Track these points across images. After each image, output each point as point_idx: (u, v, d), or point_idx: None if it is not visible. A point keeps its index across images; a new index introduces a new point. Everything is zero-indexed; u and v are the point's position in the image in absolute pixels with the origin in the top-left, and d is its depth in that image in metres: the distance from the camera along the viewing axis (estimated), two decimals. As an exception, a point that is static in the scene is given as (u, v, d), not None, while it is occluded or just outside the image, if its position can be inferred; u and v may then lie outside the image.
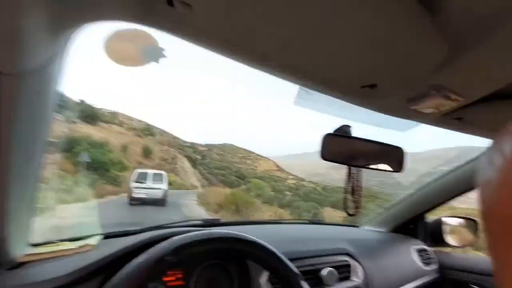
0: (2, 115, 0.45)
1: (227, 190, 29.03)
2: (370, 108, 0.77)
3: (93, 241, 0.88)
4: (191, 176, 38.12)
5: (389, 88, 0.65)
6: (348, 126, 0.93)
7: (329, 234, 1.47)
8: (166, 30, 0.50)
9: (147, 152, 32.91)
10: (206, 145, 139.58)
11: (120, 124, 39.68)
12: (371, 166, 0.92)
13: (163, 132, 62.16)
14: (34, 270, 0.72)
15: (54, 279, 0.68)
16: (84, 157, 17.18)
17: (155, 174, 14.24)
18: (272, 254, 0.80)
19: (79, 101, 29.53)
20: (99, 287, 0.70)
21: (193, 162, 45.09)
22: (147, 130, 40.58)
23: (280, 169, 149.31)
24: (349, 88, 0.66)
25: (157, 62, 0.59)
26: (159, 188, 13.50)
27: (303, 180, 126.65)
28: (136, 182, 13.24)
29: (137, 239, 0.81)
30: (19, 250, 0.73)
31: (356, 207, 0.96)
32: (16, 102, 0.45)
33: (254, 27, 0.47)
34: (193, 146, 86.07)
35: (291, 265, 0.82)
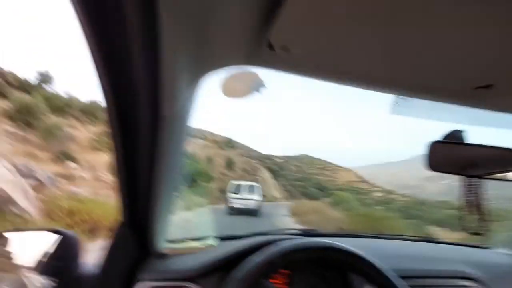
0: (160, 148, 0.63)
1: (315, 203, 27.01)
2: (485, 109, 0.74)
3: (212, 241, 1.03)
4: (272, 187, 37.08)
5: (507, 87, 0.63)
6: (460, 131, 0.82)
7: (446, 254, 1.24)
8: (267, 68, 0.62)
9: (230, 164, 33.35)
10: (283, 157, 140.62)
11: (204, 138, 41.77)
12: (496, 176, 0.81)
13: (241, 146, 63.98)
14: (171, 261, 0.90)
15: (187, 270, 0.85)
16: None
17: (249, 186, 14.94)
18: (379, 269, 0.78)
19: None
20: (219, 280, 0.82)
21: (273, 173, 44.18)
22: (229, 143, 41.60)
23: (362, 180, 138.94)
24: (461, 91, 0.66)
25: (260, 92, 0.70)
26: (254, 199, 14.05)
27: (391, 192, 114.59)
28: (233, 193, 14.08)
29: (248, 242, 0.92)
30: (162, 244, 0.92)
31: (481, 226, 0.82)
32: (169, 138, 0.63)
33: (350, 51, 0.53)
34: (270, 158, 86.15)
35: (401, 282, 0.77)
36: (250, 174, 36.40)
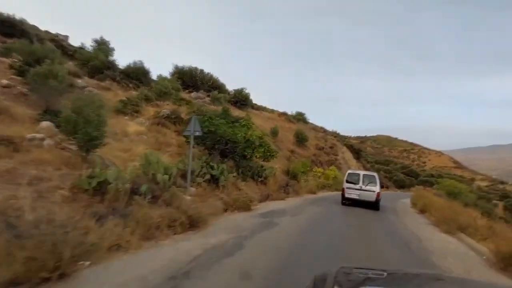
0: None
1: (435, 197, 18.96)
2: None
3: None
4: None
5: None
6: None
7: None
8: None
9: (301, 139, 26.51)
10: (358, 138, 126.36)
11: (271, 112, 35.63)
12: None
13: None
14: None
15: None
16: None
17: (366, 175, 13.74)
18: None
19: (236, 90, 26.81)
20: None
21: (356, 154, 35.67)
22: (300, 115, 34.51)
23: (459, 165, 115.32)
24: None
25: None
26: (372, 191, 12.88)
27: (502, 182, 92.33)
28: (348, 182, 13.34)
29: None
30: None
31: None
32: None
33: None
34: (345, 137, 75.20)
35: None
36: (326, 152, 28.98)
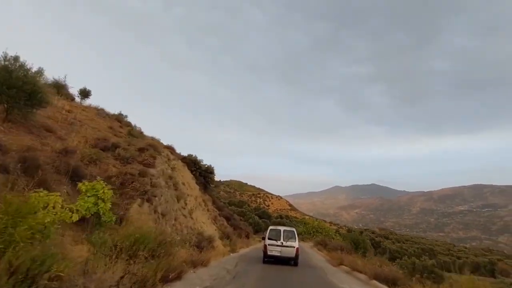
0: None
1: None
2: None
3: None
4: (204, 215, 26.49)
5: None
6: None
7: None
8: None
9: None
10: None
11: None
12: None
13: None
14: None
15: None
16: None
17: (285, 231, 13.30)
18: None
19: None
20: None
21: (204, 179, 33.34)
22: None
23: (293, 208, 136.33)
24: None
25: None
26: (292, 246, 12.57)
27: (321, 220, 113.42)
28: (269, 239, 12.94)
29: None
30: None
31: None
32: None
33: None
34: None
35: None
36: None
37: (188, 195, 16.86)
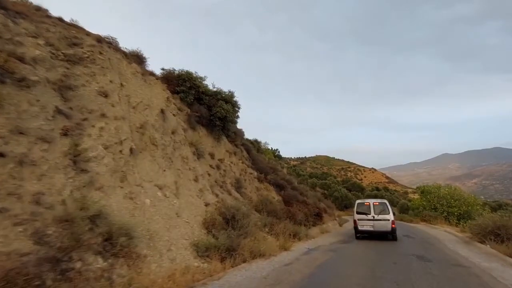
0: None
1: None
2: None
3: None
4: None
5: None
6: None
7: None
8: None
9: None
10: (298, 159, 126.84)
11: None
12: None
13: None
14: None
15: None
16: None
17: (375, 203, 12.57)
18: None
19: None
20: None
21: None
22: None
23: (392, 181, 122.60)
24: None
25: None
26: (386, 219, 11.91)
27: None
28: (358, 213, 12.53)
29: None
30: None
31: None
32: None
33: None
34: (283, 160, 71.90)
35: None
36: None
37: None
